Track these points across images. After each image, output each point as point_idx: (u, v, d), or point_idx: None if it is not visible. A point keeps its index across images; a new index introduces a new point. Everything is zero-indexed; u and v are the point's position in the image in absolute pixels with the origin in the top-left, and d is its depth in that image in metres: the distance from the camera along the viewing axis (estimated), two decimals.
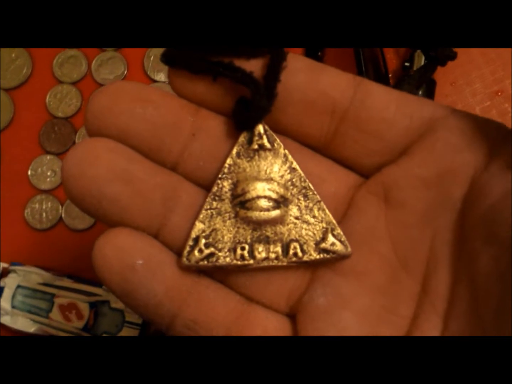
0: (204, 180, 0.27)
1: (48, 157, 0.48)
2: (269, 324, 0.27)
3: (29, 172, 0.47)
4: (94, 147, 0.25)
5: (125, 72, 0.48)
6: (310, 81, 0.27)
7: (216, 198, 0.26)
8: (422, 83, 0.43)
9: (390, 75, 0.47)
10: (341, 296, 0.26)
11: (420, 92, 0.44)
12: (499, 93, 0.47)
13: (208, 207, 0.26)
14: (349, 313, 0.26)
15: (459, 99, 0.47)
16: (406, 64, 0.46)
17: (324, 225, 0.27)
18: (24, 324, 0.43)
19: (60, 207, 0.47)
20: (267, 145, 0.27)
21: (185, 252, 0.26)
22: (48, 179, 0.47)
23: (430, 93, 0.45)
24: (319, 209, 0.27)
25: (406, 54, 0.47)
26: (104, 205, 0.25)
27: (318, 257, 0.26)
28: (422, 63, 0.44)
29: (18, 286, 0.44)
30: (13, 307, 0.43)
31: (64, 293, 0.43)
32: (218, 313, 0.26)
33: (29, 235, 0.47)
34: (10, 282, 0.44)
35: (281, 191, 0.27)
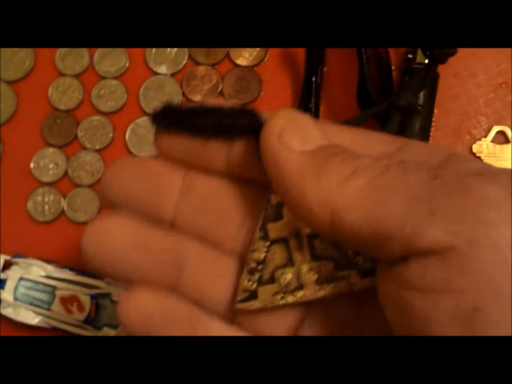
0: (200, 233, 0.29)
1: (51, 150, 0.48)
2: None
3: (31, 165, 0.48)
4: (108, 222, 0.29)
5: (127, 64, 0.48)
6: None
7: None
8: (422, 88, 0.43)
9: (393, 67, 0.47)
10: (325, 329, 0.28)
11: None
12: (504, 85, 0.47)
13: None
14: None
15: (463, 91, 0.47)
16: (409, 56, 0.46)
17: None
18: (26, 316, 0.43)
19: (62, 199, 0.47)
20: None
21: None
22: (51, 172, 0.47)
23: (433, 86, 0.45)
24: None
25: None
26: (122, 271, 0.29)
27: None
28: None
29: (21, 279, 0.44)
30: (15, 299, 0.44)
31: (66, 285, 0.43)
32: None
33: (31, 228, 0.47)
34: (13, 275, 0.44)
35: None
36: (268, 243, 0.28)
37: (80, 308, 0.43)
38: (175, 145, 0.29)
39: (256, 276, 0.28)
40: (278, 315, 0.28)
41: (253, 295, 0.28)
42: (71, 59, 0.49)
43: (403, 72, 0.46)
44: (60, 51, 0.49)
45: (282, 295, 0.27)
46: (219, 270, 0.29)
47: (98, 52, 0.48)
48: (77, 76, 0.49)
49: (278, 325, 0.28)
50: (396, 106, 0.42)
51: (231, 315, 0.29)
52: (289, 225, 0.28)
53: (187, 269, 0.29)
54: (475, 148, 0.46)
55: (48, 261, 0.45)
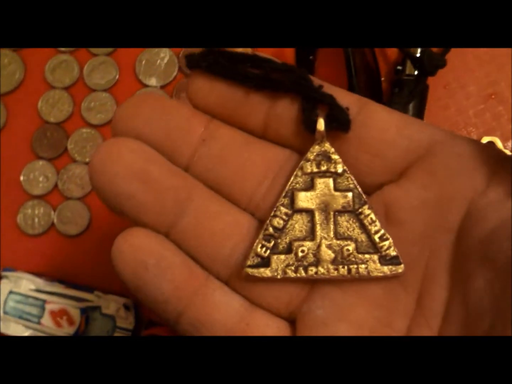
0: (214, 183, 0.28)
1: (41, 162, 0.48)
2: (269, 330, 0.28)
3: (21, 178, 0.47)
4: (117, 146, 0.27)
5: (117, 76, 0.48)
6: None
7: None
8: (412, 100, 0.43)
9: (382, 79, 0.47)
10: (338, 308, 0.27)
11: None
12: (493, 96, 0.47)
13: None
14: (346, 324, 0.27)
15: (452, 102, 0.47)
16: (399, 67, 0.46)
17: None
18: (16, 329, 0.43)
19: (52, 212, 0.47)
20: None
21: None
22: (41, 185, 0.47)
23: (422, 97, 0.45)
24: None
25: (399, 58, 0.47)
26: (121, 201, 0.27)
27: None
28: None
29: (10, 292, 0.44)
30: (5, 313, 0.43)
31: (56, 298, 0.43)
32: (221, 316, 0.27)
33: (21, 241, 0.47)
34: (2, 288, 0.44)
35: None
36: (291, 212, 0.27)
37: (70, 321, 0.42)
38: (211, 91, 0.28)
39: (272, 243, 0.27)
40: (280, 285, 0.28)
41: (264, 263, 0.27)
42: (61, 71, 0.49)
43: (392, 84, 0.46)
44: (50, 64, 0.49)
45: (295, 268, 0.27)
46: (223, 224, 0.28)
47: (88, 64, 0.48)
48: (67, 88, 0.49)
49: (278, 296, 0.28)
50: None
51: (227, 275, 0.28)
52: (319, 197, 0.27)
53: (188, 214, 0.27)
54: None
55: (38, 274, 0.45)
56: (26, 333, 0.43)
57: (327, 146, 0.27)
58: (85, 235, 0.46)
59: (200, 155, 0.28)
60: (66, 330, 0.42)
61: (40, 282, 0.44)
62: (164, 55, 0.48)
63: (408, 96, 0.42)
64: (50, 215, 0.47)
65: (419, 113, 0.45)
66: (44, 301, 0.43)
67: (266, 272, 0.27)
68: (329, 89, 0.28)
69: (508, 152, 0.45)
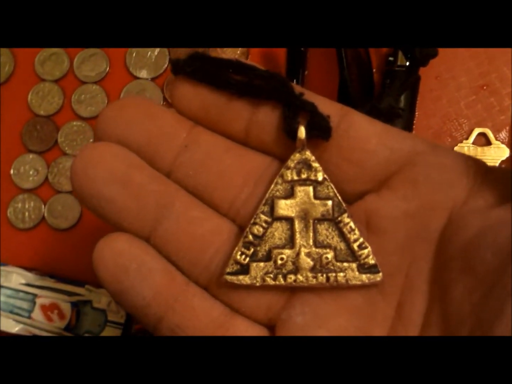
0: (195, 189, 0.28)
1: (31, 156, 0.47)
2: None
3: (11, 171, 0.47)
4: (100, 150, 0.27)
5: (107, 69, 0.48)
6: None
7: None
8: (403, 91, 0.43)
9: (374, 70, 0.47)
10: (318, 316, 0.27)
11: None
12: (485, 87, 0.47)
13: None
14: (325, 332, 0.27)
15: (444, 94, 0.47)
16: (390, 58, 0.46)
17: None
18: (6, 324, 0.43)
19: (43, 206, 0.46)
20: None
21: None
22: (31, 178, 0.47)
23: (414, 88, 0.45)
24: None
25: (390, 49, 0.47)
26: (102, 205, 0.27)
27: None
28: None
29: (1, 286, 0.43)
30: None
31: (46, 293, 0.43)
32: (201, 322, 0.27)
33: (11, 235, 0.46)
34: None
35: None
36: (270, 219, 0.27)
37: (61, 315, 0.42)
38: (195, 96, 0.28)
39: (251, 251, 0.27)
40: (260, 292, 0.28)
41: (243, 270, 0.27)
42: (51, 64, 0.48)
43: (384, 75, 0.46)
44: (40, 56, 0.48)
45: (274, 275, 0.27)
46: (203, 230, 0.28)
47: (78, 57, 0.48)
48: (57, 81, 0.48)
49: (258, 302, 0.28)
50: (377, 110, 0.41)
51: (207, 281, 0.28)
52: (298, 205, 0.27)
53: (169, 219, 0.27)
54: (456, 150, 0.46)
55: (29, 268, 0.44)
56: (17, 327, 0.43)
57: (307, 154, 0.27)
58: (76, 229, 0.46)
59: (182, 161, 0.28)
60: (57, 324, 0.42)
61: (31, 276, 0.44)
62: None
63: (400, 87, 0.42)
64: (40, 208, 0.46)
65: (411, 105, 0.45)
66: (35, 296, 0.43)
67: (245, 280, 0.27)
68: (311, 97, 0.28)
69: (499, 143, 0.45)
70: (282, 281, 0.27)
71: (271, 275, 0.27)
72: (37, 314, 0.42)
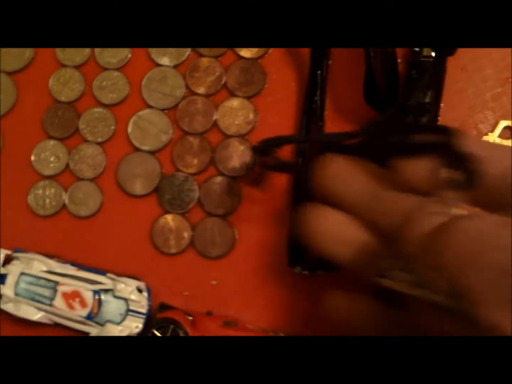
0: None
1: (51, 142, 0.47)
2: None
3: (32, 158, 0.47)
4: (322, 217, 0.33)
5: (129, 55, 0.47)
6: None
7: None
8: (433, 85, 0.42)
9: (399, 60, 0.47)
10: None
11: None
12: (510, 79, 0.46)
13: None
14: None
15: (469, 85, 0.46)
16: (416, 49, 0.45)
17: None
18: (27, 311, 0.43)
19: (64, 193, 0.46)
20: None
21: None
22: (52, 165, 0.47)
23: (440, 80, 0.44)
24: None
25: None
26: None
27: None
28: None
29: (22, 273, 0.43)
30: (16, 294, 0.43)
31: (68, 280, 0.43)
32: None
33: (32, 222, 0.46)
34: (14, 269, 0.43)
35: None
36: None
37: (83, 303, 0.42)
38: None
39: None
40: None
41: None
42: (72, 49, 0.48)
43: (409, 65, 0.45)
44: None
45: None
46: None
47: None
48: (78, 67, 0.48)
49: None
50: (405, 107, 0.41)
51: None
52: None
53: None
54: None
55: (50, 255, 0.44)
56: (38, 315, 0.43)
57: None
58: (97, 217, 0.46)
59: None
60: (78, 312, 0.42)
61: (52, 264, 0.44)
62: None
63: (430, 80, 0.41)
64: (61, 195, 0.46)
65: (437, 97, 0.44)
66: (56, 283, 0.43)
67: None
68: None
69: None
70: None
71: None
72: (59, 302, 0.42)
